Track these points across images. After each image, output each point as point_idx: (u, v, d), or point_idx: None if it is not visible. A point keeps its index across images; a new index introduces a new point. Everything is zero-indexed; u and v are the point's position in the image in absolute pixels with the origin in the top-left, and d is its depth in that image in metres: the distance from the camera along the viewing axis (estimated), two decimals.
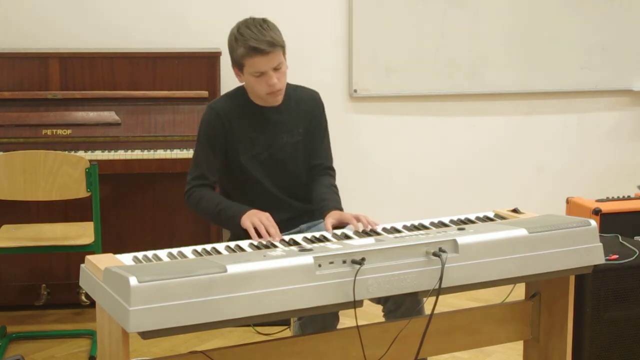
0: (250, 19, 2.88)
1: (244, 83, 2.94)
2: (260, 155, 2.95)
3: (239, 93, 2.98)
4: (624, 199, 3.92)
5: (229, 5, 4.64)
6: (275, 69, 2.82)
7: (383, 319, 2.91)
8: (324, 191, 2.99)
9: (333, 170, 3.11)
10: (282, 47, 2.84)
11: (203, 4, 4.62)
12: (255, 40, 2.78)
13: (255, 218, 2.70)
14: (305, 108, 3.01)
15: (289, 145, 2.99)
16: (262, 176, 2.96)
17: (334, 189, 3.03)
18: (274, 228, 2.66)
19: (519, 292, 2.92)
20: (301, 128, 3.01)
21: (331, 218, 2.79)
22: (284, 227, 2.85)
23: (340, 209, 2.90)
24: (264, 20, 2.88)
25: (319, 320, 2.80)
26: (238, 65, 2.86)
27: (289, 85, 3.00)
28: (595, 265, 2.59)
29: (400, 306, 2.85)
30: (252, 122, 2.95)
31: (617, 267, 3.13)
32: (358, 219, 2.73)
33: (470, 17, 4.88)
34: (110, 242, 3.79)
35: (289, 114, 2.98)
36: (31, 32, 4.46)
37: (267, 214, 2.72)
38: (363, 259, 2.22)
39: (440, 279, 2.29)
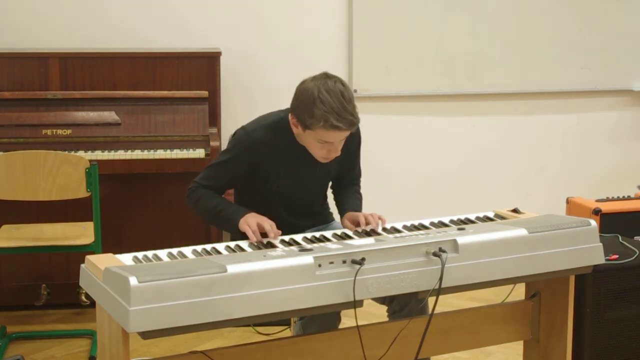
0: (331, 81, 2.67)
1: (295, 130, 2.77)
2: (290, 187, 2.89)
3: (282, 126, 2.81)
4: (624, 199, 3.92)
5: (229, 6, 4.64)
6: (341, 140, 2.74)
7: (383, 319, 2.90)
8: (345, 196, 3.03)
9: (359, 180, 3.13)
10: (359, 123, 2.72)
11: (203, 4, 4.62)
12: (337, 116, 2.61)
13: (253, 222, 2.66)
14: (344, 142, 2.84)
15: (319, 176, 2.95)
16: (280, 203, 2.91)
17: (356, 195, 3.05)
18: (272, 232, 2.63)
19: (519, 292, 2.92)
20: (335, 161, 2.89)
21: (347, 220, 2.83)
22: None
23: (357, 211, 2.91)
24: (344, 86, 2.68)
25: (320, 320, 2.80)
26: (303, 125, 2.69)
27: None
28: (595, 265, 2.59)
29: (405, 307, 2.84)
30: (289, 157, 2.84)
31: (617, 267, 3.13)
32: (365, 217, 2.75)
33: (470, 17, 4.88)
34: (110, 242, 3.79)
35: None
36: (31, 32, 4.46)
37: (266, 219, 2.68)
38: (363, 259, 2.22)
39: (440, 279, 2.30)
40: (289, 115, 2.76)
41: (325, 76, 2.70)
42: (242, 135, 2.83)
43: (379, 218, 2.74)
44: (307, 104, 2.65)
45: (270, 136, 2.81)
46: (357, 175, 3.13)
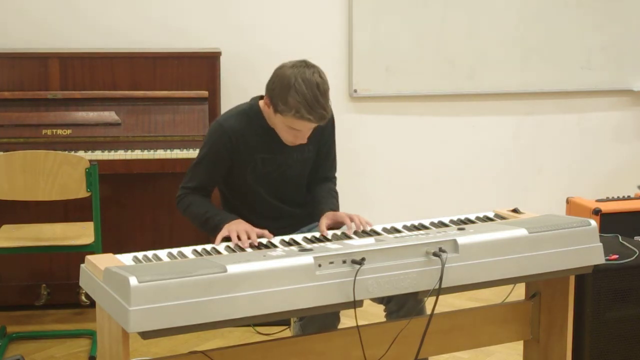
0: (309, 70, 2.68)
1: (266, 111, 2.81)
2: (270, 174, 2.90)
3: (253, 111, 2.88)
4: (624, 199, 3.92)
5: (229, 6, 4.64)
6: (310, 128, 2.76)
7: (383, 319, 2.91)
8: (322, 195, 2.99)
9: (335, 178, 3.10)
10: (330, 117, 2.75)
11: (203, 4, 4.62)
12: (309, 108, 2.64)
13: (236, 227, 2.65)
14: (318, 126, 2.89)
15: (299, 162, 2.94)
16: (265, 191, 2.92)
17: (332, 193, 3.02)
18: (253, 236, 2.63)
19: (519, 292, 2.92)
20: (312, 145, 2.94)
21: (325, 219, 2.77)
22: (283, 234, 2.84)
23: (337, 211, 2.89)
24: (322, 78, 2.69)
25: (319, 321, 2.80)
26: (275, 108, 2.72)
27: None
28: (595, 265, 2.59)
29: (403, 307, 2.84)
30: (264, 143, 2.86)
31: (617, 267, 3.13)
32: (352, 219, 2.72)
33: (470, 17, 4.88)
34: (110, 242, 3.79)
35: None
36: (31, 33, 4.46)
37: (250, 226, 2.67)
38: (363, 259, 2.22)
39: (440, 279, 2.29)
40: (265, 96, 2.78)
41: (304, 64, 2.71)
42: (214, 127, 2.88)
43: (361, 222, 2.71)
44: (282, 90, 2.67)
45: (243, 122, 2.85)
46: (333, 170, 3.09)
